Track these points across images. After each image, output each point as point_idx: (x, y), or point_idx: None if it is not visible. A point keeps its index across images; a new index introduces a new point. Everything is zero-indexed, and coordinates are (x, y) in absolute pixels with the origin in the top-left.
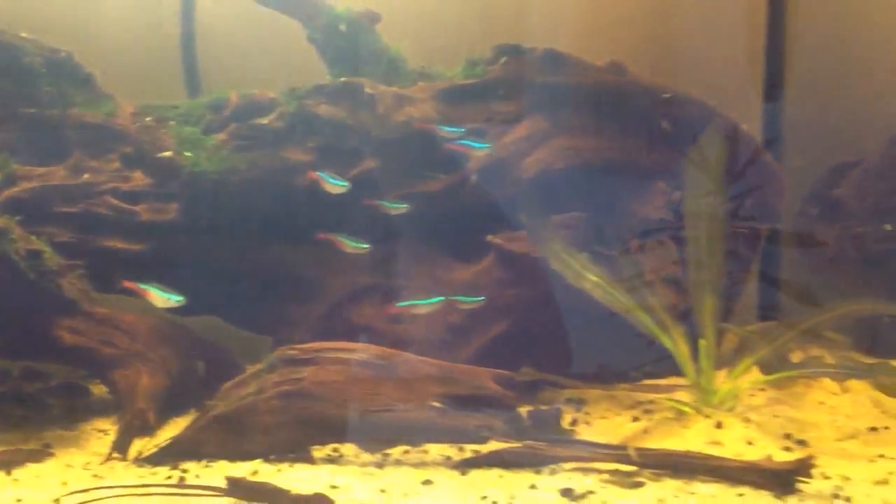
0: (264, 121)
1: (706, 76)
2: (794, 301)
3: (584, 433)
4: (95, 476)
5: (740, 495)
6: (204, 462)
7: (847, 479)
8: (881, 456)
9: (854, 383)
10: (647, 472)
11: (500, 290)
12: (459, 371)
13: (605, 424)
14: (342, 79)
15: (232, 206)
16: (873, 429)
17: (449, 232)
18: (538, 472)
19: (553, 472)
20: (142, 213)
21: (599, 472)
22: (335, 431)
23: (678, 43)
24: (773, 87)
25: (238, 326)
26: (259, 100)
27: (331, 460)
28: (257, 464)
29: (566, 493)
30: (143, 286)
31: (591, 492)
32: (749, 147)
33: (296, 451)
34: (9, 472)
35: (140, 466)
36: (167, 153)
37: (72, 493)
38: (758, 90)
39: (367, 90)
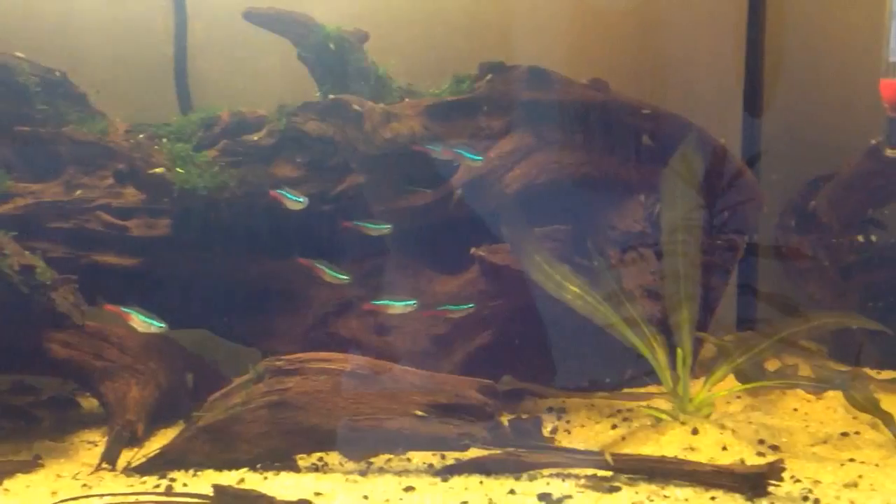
0: (254, 138)
1: (686, 92)
2: (775, 310)
3: (564, 441)
4: (85, 486)
5: (713, 499)
6: (192, 471)
7: (817, 482)
8: (851, 460)
9: (828, 391)
10: (623, 477)
11: (484, 301)
12: (442, 380)
13: (584, 432)
14: (331, 96)
15: (222, 222)
16: (845, 434)
17: (434, 245)
18: (517, 479)
19: (532, 478)
20: (133, 229)
21: (577, 477)
22: (320, 441)
23: (659, 60)
24: (752, 101)
25: (226, 339)
26: (249, 117)
27: (315, 468)
28: (244, 472)
29: (544, 497)
30: (125, 310)
31: (568, 496)
32: (727, 160)
33: (281, 460)
34: None
35: (129, 476)
36: (159, 169)
37: (62, 501)
38: (737, 105)
39: (355, 107)
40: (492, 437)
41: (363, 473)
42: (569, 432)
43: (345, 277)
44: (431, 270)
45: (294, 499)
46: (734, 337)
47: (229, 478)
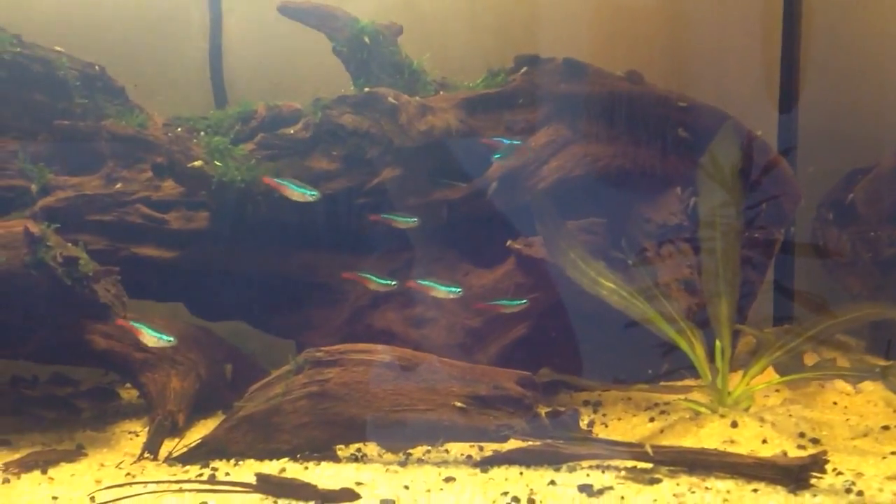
0: (290, 131)
1: (722, 84)
2: (804, 308)
3: (602, 434)
4: (128, 475)
5: (755, 491)
6: (233, 461)
7: (860, 474)
8: (893, 453)
9: (867, 384)
10: (663, 469)
11: (520, 294)
12: (481, 372)
13: (621, 425)
14: (366, 89)
15: (259, 215)
16: (886, 427)
17: (470, 238)
18: (557, 470)
19: (571, 470)
20: (172, 222)
21: (617, 469)
22: (359, 431)
23: (693, 52)
24: (789, 95)
25: (262, 331)
26: (285, 110)
27: (355, 459)
28: (284, 462)
29: (584, 488)
30: (135, 325)
31: (608, 487)
32: (764, 153)
33: (321, 451)
34: (44, 472)
35: (171, 465)
36: (198, 163)
37: (107, 487)
38: (773, 98)
39: (390, 100)
40: (531, 429)
41: (402, 464)
42: (606, 425)
43: (392, 283)
44: (467, 263)
45: (336, 488)
46: (772, 330)
47: (270, 467)
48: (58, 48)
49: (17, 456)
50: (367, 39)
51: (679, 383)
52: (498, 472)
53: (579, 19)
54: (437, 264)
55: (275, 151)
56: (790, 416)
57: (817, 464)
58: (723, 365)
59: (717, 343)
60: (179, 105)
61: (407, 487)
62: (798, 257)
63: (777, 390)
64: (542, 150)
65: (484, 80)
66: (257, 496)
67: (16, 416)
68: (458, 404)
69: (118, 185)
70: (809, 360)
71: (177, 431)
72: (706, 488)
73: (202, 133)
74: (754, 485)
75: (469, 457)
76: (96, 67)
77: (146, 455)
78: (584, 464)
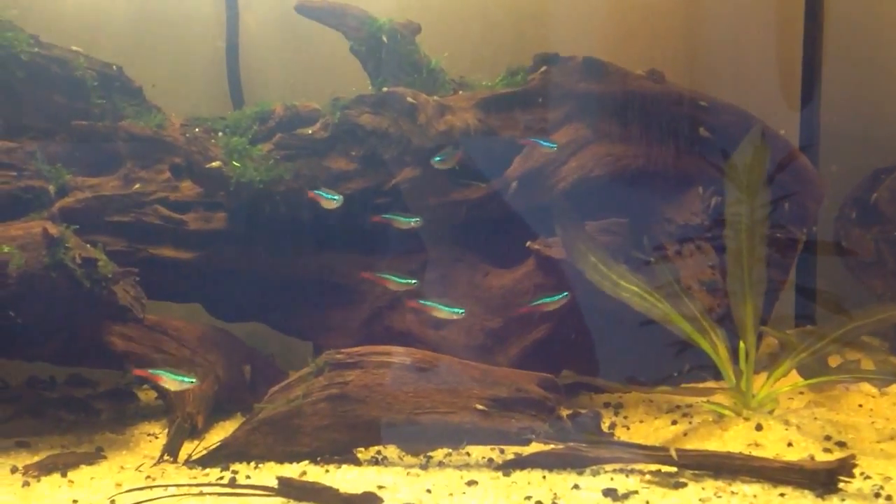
0: (308, 131)
1: (743, 82)
2: (827, 311)
3: (623, 437)
4: (148, 477)
5: (782, 495)
6: (253, 464)
7: (888, 478)
8: None
9: (893, 387)
10: (688, 472)
11: (540, 295)
12: (502, 374)
13: (643, 428)
14: (384, 89)
15: (277, 215)
16: None
17: (489, 238)
18: (581, 474)
19: (595, 474)
20: (190, 223)
21: (641, 473)
22: (380, 434)
23: (713, 50)
24: (810, 93)
25: (281, 332)
26: (303, 110)
27: (375, 462)
28: (305, 465)
29: (609, 493)
30: (154, 372)
31: (633, 492)
32: (787, 153)
33: (341, 453)
34: (64, 475)
35: (191, 468)
36: (216, 163)
37: (128, 490)
38: (795, 97)
39: (409, 99)
40: (553, 432)
41: (423, 467)
42: (627, 428)
43: (412, 282)
44: (487, 264)
45: (358, 492)
46: (795, 331)
47: (291, 470)
48: (75, 48)
49: (36, 458)
50: (384, 38)
51: (701, 385)
52: (520, 476)
53: (595, 16)
54: (457, 265)
55: (293, 152)
56: (815, 418)
57: (846, 468)
58: (747, 367)
59: (741, 345)
60: (196, 105)
61: (429, 491)
62: (820, 257)
63: (801, 393)
64: (562, 150)
65: (503, 79)
66: (279, 500)
67: (35, 418)
68: (480, 407)
69: (136, 186)
70: (833, 361)
71: (196, 433)
72: (732, 492)
73: (220, 133)
74: (781, 489)
75: (490, 460)
76: (114, 67)
77: (166, 457)
78: (608, 467)
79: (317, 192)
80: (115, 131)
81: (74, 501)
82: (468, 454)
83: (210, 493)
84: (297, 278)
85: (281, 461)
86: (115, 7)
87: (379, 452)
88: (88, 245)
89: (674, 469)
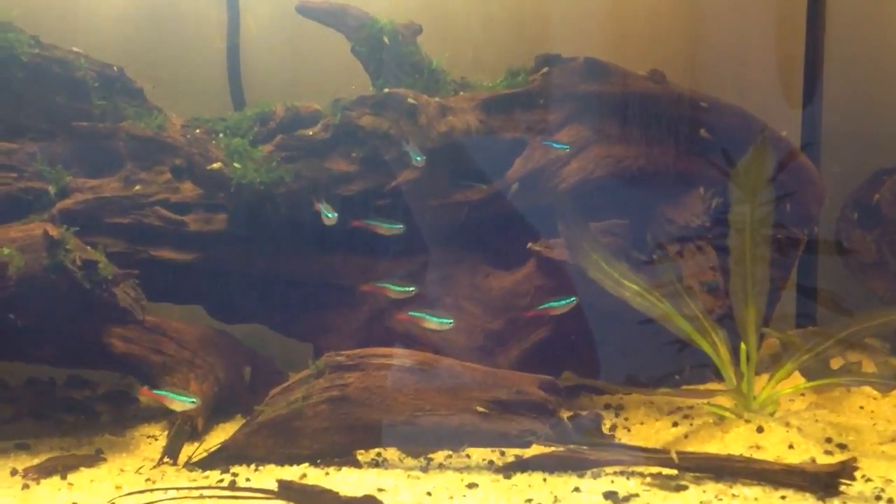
0: (309, 132)
1: (744, 83)
2: (829, 312)
3: (624, 439)
4: (148, 480)
5: (783, 498)
6: (253, 466)
7: (889, 481)
8: None
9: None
10: (689, 475)
11: (541, 297)
12: (502, 376)
13: (644, 430)
14: (385, 90)
15: (278, 216)
16: None
17: (490, 240)
18: (581, 476)
19: (596, 476)
20: (191, 224)
21: (642, 475)
22: (380, 436)
23: (715, 50)
24: (811, 93)
25: (281, 334)
26: (303, 112)
27: (376, 464)
28: (305, 468)
29: (610, 495)
30: (157, 392)
31: (634, 495)
32: (789, 154)
33: (342, 456)
34: (64, 477)
35: (191, 471)
36: (216, 164)
37: (127, 493)
38: (796, 97)
39: (410, 100)
40: (554, 434)
41: (424, 469)
42: (628, 430)
43: (411, 289)
44: (488, 265)
45: (359, 494)
46: (796, 332)
47: (291, 473)
48: (76, 49)
49: (36, 461)
50: (385, 39)
51: (702, 387)
52: (521, 478)
53: (596, 16)
54: (458, 266)
55: (293, 153)
56: (816, 421)
57: (847, 471)
58: (748, 369)
59: (742, 346)
60: (197, 106)
61: (429, 494)
62: (822, 258)
63: (802, 394)
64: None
65: (504, 79)
66: (279, 503)
67: (34, 420)
68: (480, 409)
69: (137, 188)
70: (835, 363)
71: (196, 436)
72: (733, 495)
73: (221, 135)
74: (782, 492)
75: (491, 462)
76: (115, 68)
77: (166, 460)
78: (609, 470)
79: (320, 204)
80: (115, 132)
81: None
82: (468, 456)
83: (210, 496)
84: (297, 280)
85: (281, 463)
86: (116, 8)
87: (379, 454)
88: (89, 247)
89: (674, 471)
